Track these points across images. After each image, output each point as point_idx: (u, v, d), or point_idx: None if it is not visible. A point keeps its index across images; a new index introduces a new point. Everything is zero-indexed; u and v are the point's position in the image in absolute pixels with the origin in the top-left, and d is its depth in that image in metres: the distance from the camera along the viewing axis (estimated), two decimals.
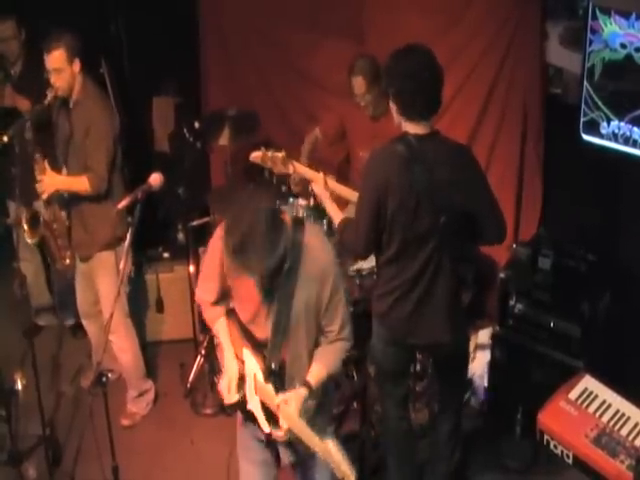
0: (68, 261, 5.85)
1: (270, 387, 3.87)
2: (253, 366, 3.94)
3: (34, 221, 5.71)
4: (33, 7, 6.67)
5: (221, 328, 4.06)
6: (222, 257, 3.58)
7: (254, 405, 3.99)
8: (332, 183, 5.07)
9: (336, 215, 4.80)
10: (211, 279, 3.99)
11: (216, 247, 3.77)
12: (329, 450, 3.67)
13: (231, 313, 4.03)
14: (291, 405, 3.80)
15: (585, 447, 4.70)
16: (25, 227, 5.68)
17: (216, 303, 4.08)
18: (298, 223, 3.78)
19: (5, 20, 6.31)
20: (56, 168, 5.65)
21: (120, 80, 7.17)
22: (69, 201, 5.71)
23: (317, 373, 3.93)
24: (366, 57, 5.89)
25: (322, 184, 4.94)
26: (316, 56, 6.83)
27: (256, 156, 5.40)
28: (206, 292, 4.08)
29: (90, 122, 5.49)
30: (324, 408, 4.16)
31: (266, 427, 3.95)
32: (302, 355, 3.94)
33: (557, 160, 6.09)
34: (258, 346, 3.94)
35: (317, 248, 3.80)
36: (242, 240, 3.41)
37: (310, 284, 3.78)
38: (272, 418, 3.91)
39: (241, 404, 4.03)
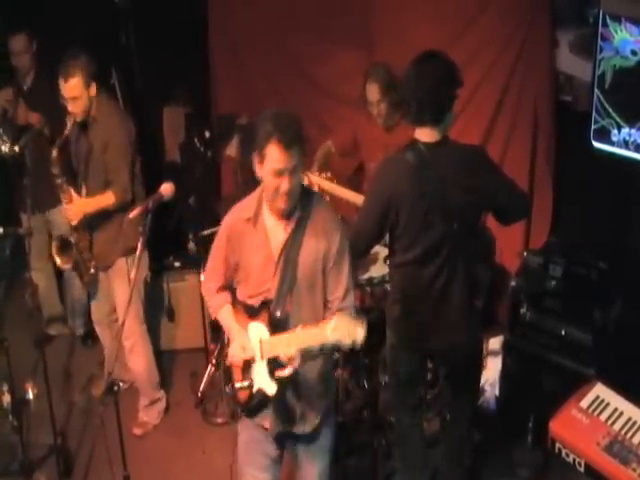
0: (92, 270, 5.88)
1: (275, 337, 3.98)
2: (258, 332, 4.06)
3: (65, 247, 5.74)
4: (44, 19, 6.71)
5: (226, 312, 4.25)
6: (227, 243, 4.10)
7: (260, 374, 4.05)
8: (339, 189, 5.13)
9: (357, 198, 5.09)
10: (217, 263, 4.22)
11: (222, 240, 4.14)
12: (337, 324, 3.70)
13: (235, 302, 4.24)
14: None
15: (597, 455, 4.69)
16: (57, 259, 5.76)
17: (222, 289, 4.28)
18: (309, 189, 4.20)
19: (16, 33, 6.34)
20: (75, 188, 5.67)
21: (131, 90, 7.20)
22: (92, 215, 5.73)
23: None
24: (381, 65, 5.89)
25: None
26: (326, 65, 6.83)
27: None
28: (212, 279, 4.29)
29: (108, 137, 5.53)
30: (326, 394, 4.32)
31: (272, 388, 4.01)
32: (303, 310, 4.05)
33: (568, 168, 6.09)
34: (261, 310, 4.08)
35: (325, 211, 4.09)
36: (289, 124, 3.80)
37: (318, 239, 3.99)
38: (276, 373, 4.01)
39: (250, 390, 4.12)
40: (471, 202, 4.42)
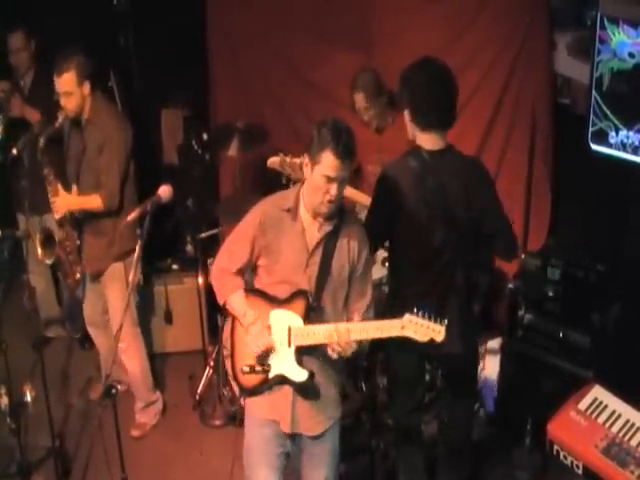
0: (78, 276, 5.87)
1: (312, 326, 4.12)
2: (286, 319, 4.17)
3: (48, 241, 5.73)
4: (43, 19, 6.71)
5: (241, 296, 4.29)
6: (259, 226, 4.14)
7: (284, 361, 4.19)
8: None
9: (365, 199, 5.06)
10: (240, 246, 4.24)
11: (253, 223, 4.18)
12: (409, 323, 3.99)
13: (250, 290, 4.31)
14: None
15: (595, 457, 4.70)
16: (39, 250, 5.72)
17: (239, 273, 4.32)
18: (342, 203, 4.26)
19: (15, 31, 6.34)
20: (66, 186, 5.66)
21: (129, 93, 7.19)
22: (83, 218, 5.72)
23: None
24: (367, 71, 5.89)
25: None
26: (324, 67, 6.81)
27: (274, 161, 5.40)
28: (230, 260, 4.30)
29: (104, 139, 5.51)
30: (338, 400, 4.48)
31: (303, 375, 4.17)
32: (331, 308, 4.21)
33: (566, 170, 6.09)
34: (295, 299, 4.17)
35: (357, 224, 4.31)
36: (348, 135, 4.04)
37: (350, 245, 4.18)
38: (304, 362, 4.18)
39: (265, 375, 4.24)
40: (471, 219, 4.45)
